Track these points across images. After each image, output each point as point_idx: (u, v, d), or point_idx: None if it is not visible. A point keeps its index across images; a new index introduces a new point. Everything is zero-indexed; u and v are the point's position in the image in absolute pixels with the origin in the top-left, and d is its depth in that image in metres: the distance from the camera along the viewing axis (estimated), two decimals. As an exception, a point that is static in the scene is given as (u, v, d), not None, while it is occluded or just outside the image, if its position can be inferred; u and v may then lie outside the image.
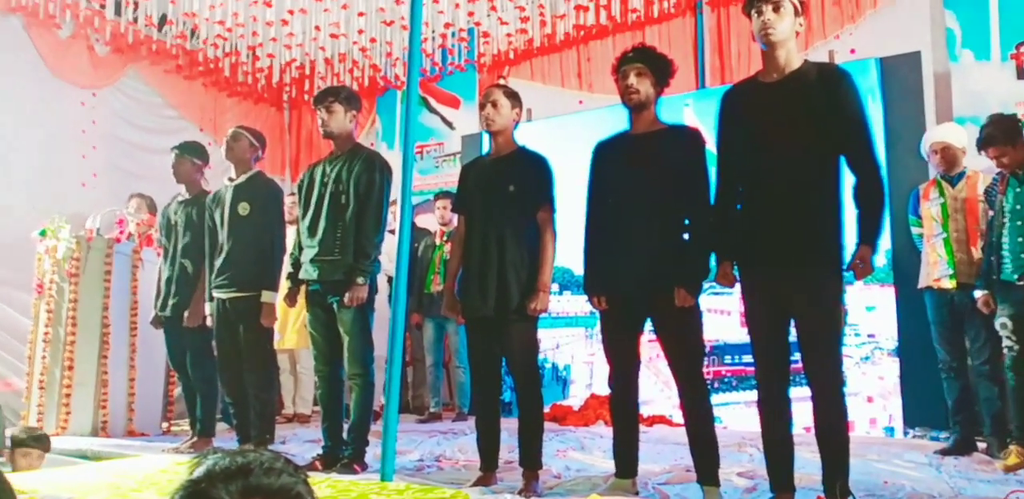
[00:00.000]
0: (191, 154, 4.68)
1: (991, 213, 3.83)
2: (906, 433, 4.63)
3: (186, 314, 4.48)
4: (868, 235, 2.65)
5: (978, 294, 3.81)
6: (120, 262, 5.25)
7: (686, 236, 3.01)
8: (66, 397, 4.98)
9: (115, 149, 6.72)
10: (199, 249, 4.41)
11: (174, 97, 7.34)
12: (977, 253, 3.94)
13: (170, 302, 4.57)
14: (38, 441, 3.83)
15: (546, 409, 3.87)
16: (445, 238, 5.75)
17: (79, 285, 5.12)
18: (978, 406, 3.96)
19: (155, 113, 7.18)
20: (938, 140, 4.14)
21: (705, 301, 3.02)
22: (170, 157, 4.71)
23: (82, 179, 6.37)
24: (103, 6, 6.28)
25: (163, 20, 6.58)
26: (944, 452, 3.91)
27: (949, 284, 4.00)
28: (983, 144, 3.79)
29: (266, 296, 4.06)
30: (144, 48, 6.84)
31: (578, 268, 3.52)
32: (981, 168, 4.18)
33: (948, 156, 4.08)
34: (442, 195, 5.94)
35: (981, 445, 3.95)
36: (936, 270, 4.07)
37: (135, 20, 6.35)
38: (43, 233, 5.23)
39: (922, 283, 4.16)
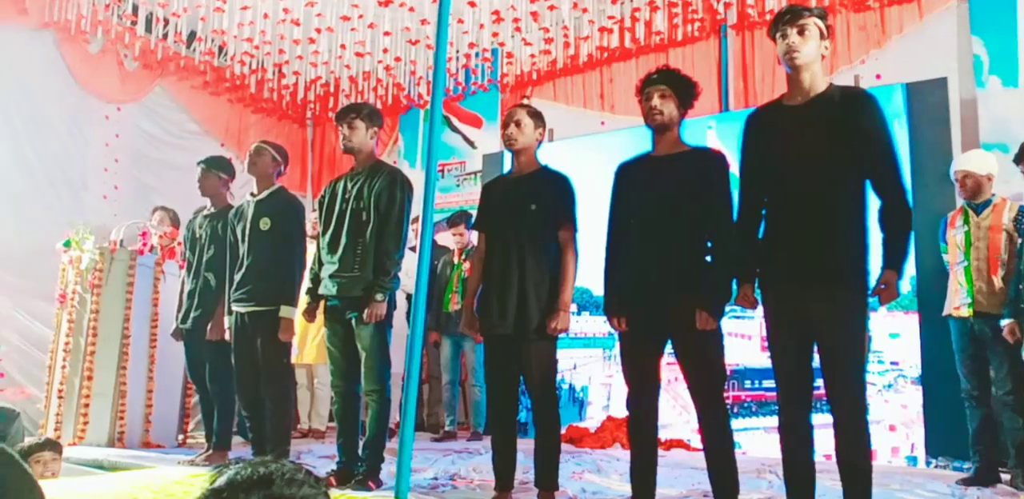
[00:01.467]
0: (217, 168, 4.72)
1: (1020, 241, 3.78)
2: (929, 463, 4.56)
3: (208, 327, 4.51)
4: (894, 260, 2.62)
5: (1004, 323, 3.76)
6: (142, 274, 5.30)
7: (708, 258, 2.99)
8: (84, 407, 5.01)
9: (137, 163, 6.83)
10: (223, 263, 4.42)
11: (199, 112, 7.46)
12: (998, 282, 3.90)
13: (192, 315, 4.60)
14: (47, 446, 3.81)
15: (562, 430, 3.84)
16: (463, 256, 5.76)
17: (101, 296, 5.17)
18: (1003, 436, 3.89)
19: (178, 128, 7.29)
20: (959, 168, 4.12)
21: (726, 325, 3.00)
22: (191, 171, 4.76)
23: (104, 191, 6.46)
24: (134, 23, 6.41)
25: (192, 37, 6.70)
26: (966, 481, 3.85)
27: (967, 312, 3.96)
28: (1020, 157, 3.76)
29: (284, 311, 4.07)
30: (173, 64, 6.97)
31: (597, 289, 3.51)
32: (1011, 194, 4.14)
33: (970, 184, 4.05)
34: (455, 220, 5.87)
35: (1005, 476, 3.88)
36: (957, 298, 4.04)
37: (165, 37, 6.48)
38: (67, 244, 5.30)
39: (945, 311, 4.12)
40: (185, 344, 4.74)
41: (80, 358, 5.10)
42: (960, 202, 4.24)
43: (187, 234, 4.86)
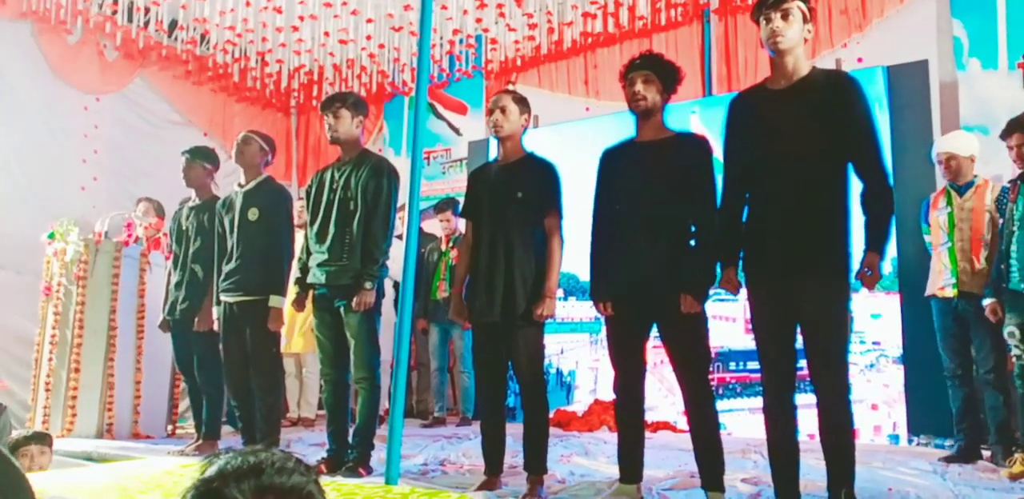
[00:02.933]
0: (202, 158, 4.69)
1: (1001, 221, 3.82)
2: (911, 441, 4.63)
3: (196, 319, 4.50)
4: (876, 242, 2.65)
5: (986, 302, 3.81)
6: (128, 265, 5.27)
7: (692, 243, 3.01)
8: (72, 399, 4.99)
9: (117, 154, 6.75)
10: (210, 254, 4.41)
11: (181, 102, 7.38)
12: (980, 263, 3.95)
13: (179, 306, 4.58)
14: (35, 439, 3.80)
15: (550, 414, 3.87)
16: (451, 244, 5.76)
17: (87, 288, 5.14)
18: (983, 414, 3.95)
19: (159, 118, 7.22)
20: (942, 150, 4.15)
21: (710, 308, 3.03)
22: (172, 161, 4.72)
23: (82, 183, 6.41)
24: (115, 12, 6.33)
25: (174, 26, 6.63)
26: (948, 459, 3.92)
27: (951, 293, 4.01)
28: (1006, 132, 3.79)
29: (274, 301, 4.07)
30: (154, 54, 6.89)
31: (584, 274, 3.53)
32: (991, 176, 4.17)
33: (953, 166, 4.09)
34: (442, 206, 5.92)
35: (986, 453, 3.95)
36: (941, 279, 4.08)
37: (146, 26, 6.40)
38: (52, 236, 5.25)
39: (928, 291, 4.17)
40: (173, 335, 4.73)
41: (67, 350, 5.07)
42: (941, 183, 4.28)
43: (173, 226, 4.83)
